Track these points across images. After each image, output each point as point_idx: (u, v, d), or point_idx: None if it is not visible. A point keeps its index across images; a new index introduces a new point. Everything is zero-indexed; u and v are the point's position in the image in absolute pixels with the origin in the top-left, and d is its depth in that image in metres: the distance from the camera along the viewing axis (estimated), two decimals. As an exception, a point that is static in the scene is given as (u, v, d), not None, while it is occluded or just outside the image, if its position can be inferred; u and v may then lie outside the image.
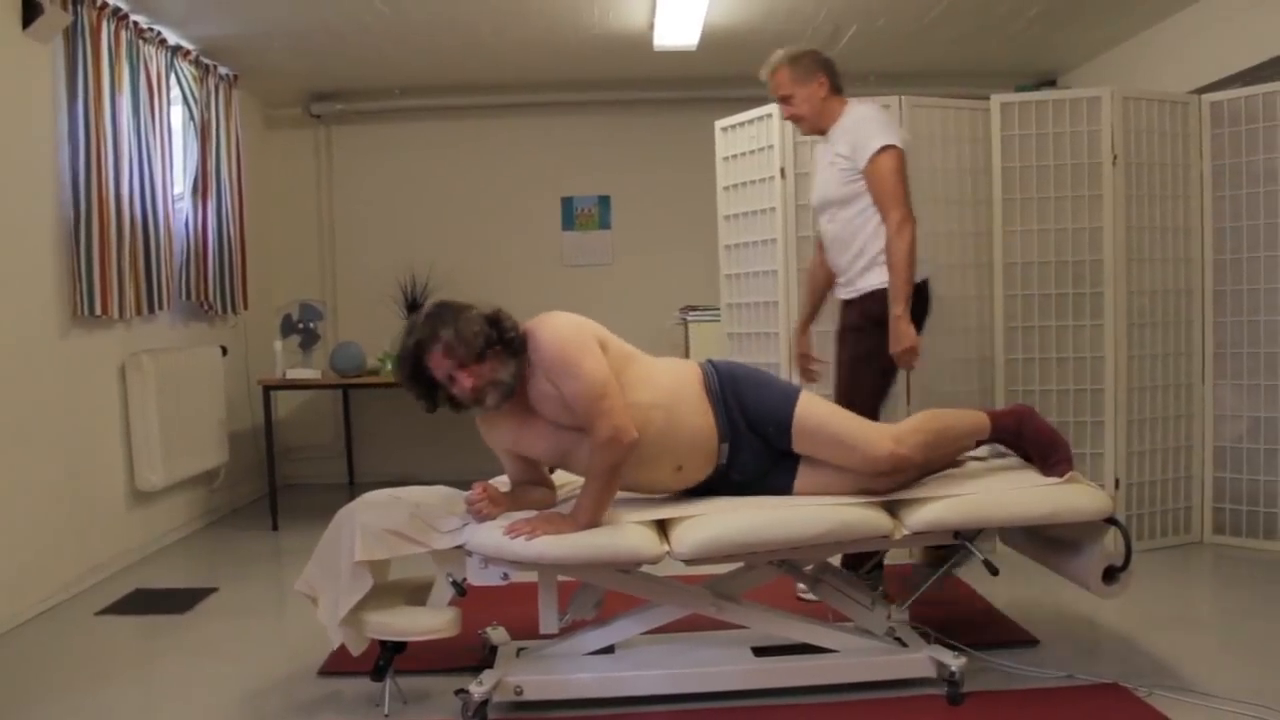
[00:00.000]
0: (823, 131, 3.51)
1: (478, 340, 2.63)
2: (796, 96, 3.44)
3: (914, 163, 4.33)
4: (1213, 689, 2.81)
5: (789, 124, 4.34)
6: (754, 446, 2.83)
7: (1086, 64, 6.05)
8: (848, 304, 3.54)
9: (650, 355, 2.92)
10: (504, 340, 2.67)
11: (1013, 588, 3.85)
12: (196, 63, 5.25)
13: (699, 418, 2.80)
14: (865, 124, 3.36)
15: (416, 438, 6.61)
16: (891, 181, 3.30)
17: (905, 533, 2.73)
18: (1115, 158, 4.29)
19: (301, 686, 3.06)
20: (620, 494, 2.80)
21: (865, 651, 2.89)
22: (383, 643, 2.77)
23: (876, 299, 3.35)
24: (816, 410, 2.86)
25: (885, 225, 3.31)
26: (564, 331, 2.72)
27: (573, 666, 2.85)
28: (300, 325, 5.66)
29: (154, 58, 4.75)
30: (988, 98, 4.45)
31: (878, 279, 3.36)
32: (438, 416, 2.96)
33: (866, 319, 3.40)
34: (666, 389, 2.81)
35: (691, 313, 5.83)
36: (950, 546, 2.91)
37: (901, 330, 3.26)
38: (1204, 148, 4.47)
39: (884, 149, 3.29)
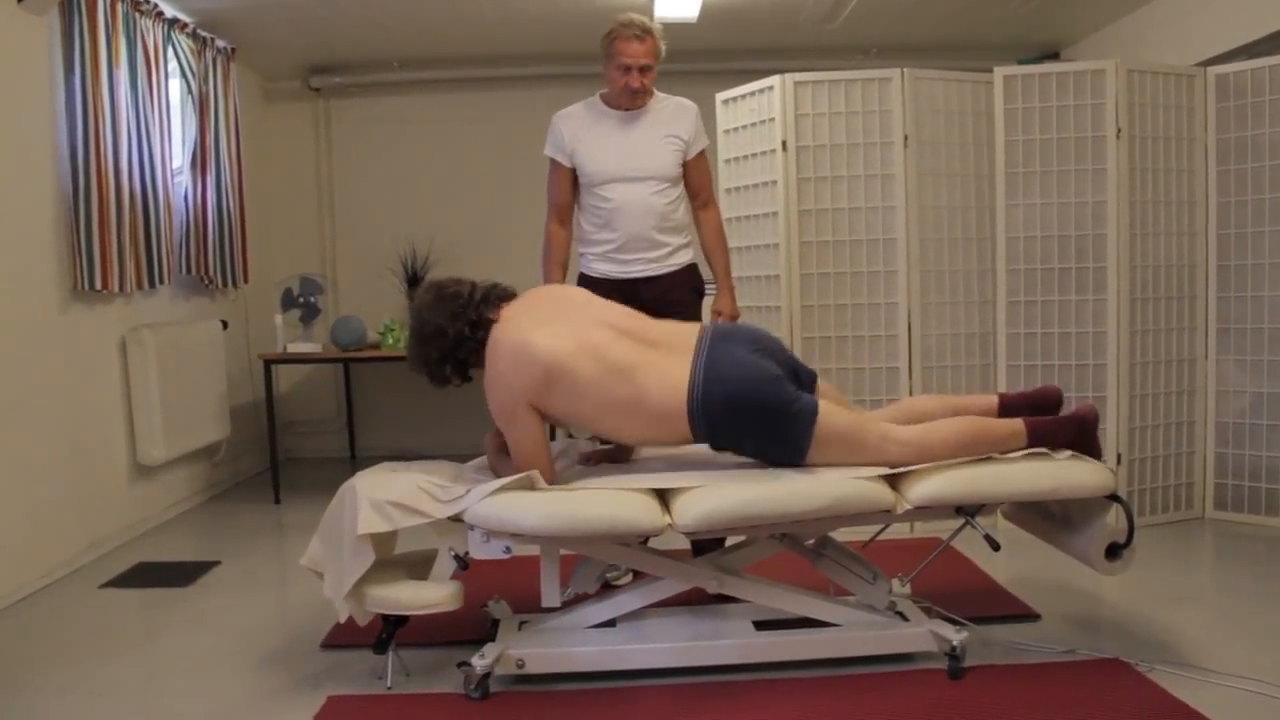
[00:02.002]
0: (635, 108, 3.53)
1: (431, 368, 2.91)
2: (653, 71, 3.46)
3: (918, 135, 4.35)
4: (1214, 665, 2.82)
5: (791, 95, 4.35)
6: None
7: (1090, 37, 6.01)
8: (652, 280, 3.52)
9: (643, 363, 2.76)
10: (457, 368, 2.90)
11: (1014, 563, 3.86)
12: (194, 35, 5.21)
13: (675, 435, 2.82)
14: (698, 118, 3.59)
15: (418, 411, 6.61)
16: (710, 175, 3.71)
17: (907, 507, 2.73)
18: (1119, 131, 4.26)
19: (304, 659, 3.08)
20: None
21: (866, 625, 2.90)
22: (385, 616, 2.78)
23: (695, 274, 3.64)
24: (828, 445, 2.77)
25: (710, 212, 3.67)
26: (496, 395, 2.78)
27: (575, 640, 2.86)
28: (301, 299, 5.65)
29: (151, 30, 4.71)
30: (990, 70, 4.42)
31: (690, 255, 3.63)
32: (440, 390, 3.03)
33: (694, 292, 3.63)
34: (641, 434, 2.85)
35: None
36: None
37: (736, 300, 3.69)
38: (1209, 121, 4.44)
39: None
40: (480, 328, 2.82)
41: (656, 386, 2.72)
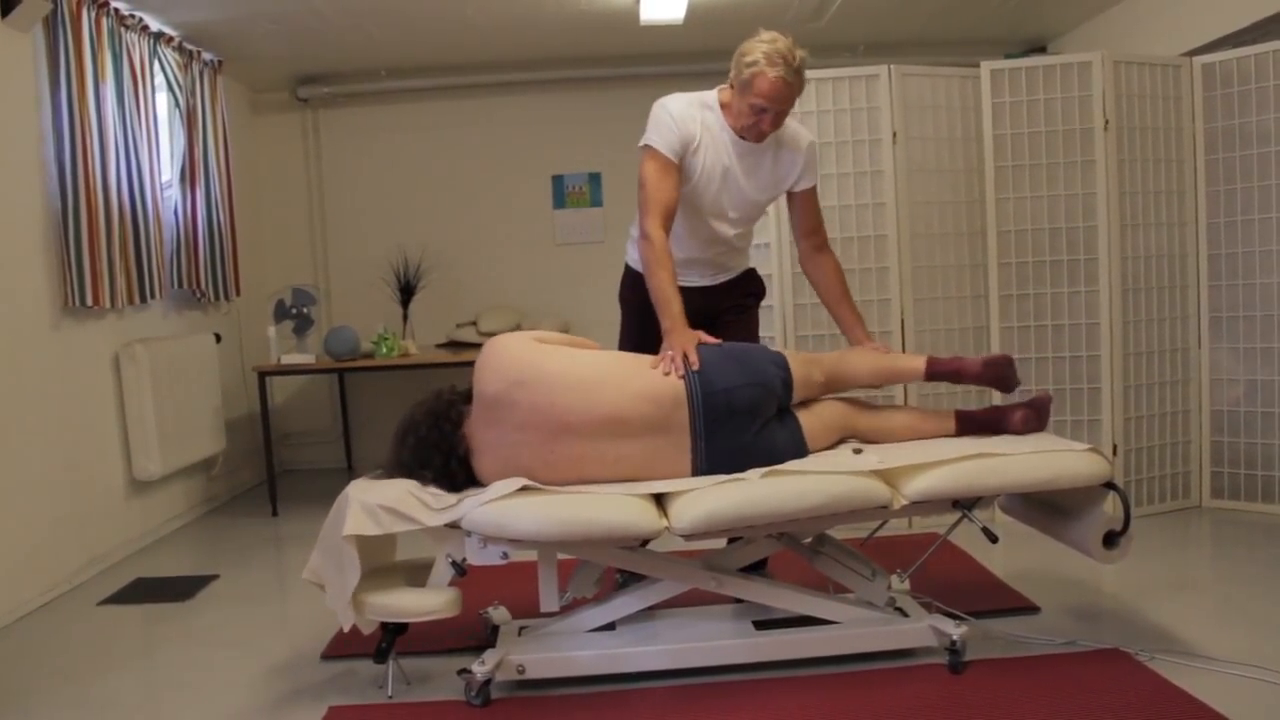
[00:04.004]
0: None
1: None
2: (788, 114, 3.06)
3: (906, 131, 4.35)
4: (1213, 652, 2.82)
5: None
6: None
7: (1076, 29, 6.02)
8: (707, 289, 3.30)
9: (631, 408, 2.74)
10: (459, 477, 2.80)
11: (1013, 556, 3.86)
12: (180, 49, 5.21)
13: (674, 464, 2.81)
14: (814, 151, 3.24)
15: (413, 421, 6.59)
16: (820, 210, 3.36)
17: (903, 502, 2.73)
18: (1107, 123, 4.27)
19: (305, 670, 3.07)
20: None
21: (866, 622, 2.90)
22: (384, 624, 2.77)
23: (751, 276, 3.45)
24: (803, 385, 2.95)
25: (829, 256, 3.33)
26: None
27: (574, 644, 2.86)
28: (293, 310, 5.65)
29: (137, 45, 4.71)
30: (978, 65, 4.43)
31: (747, 262, 3.44)
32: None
33: (750, 296, 3.44)
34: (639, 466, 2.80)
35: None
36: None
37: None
38: (1196, 111, 4.45)
39: None
40: (455, 453, 2.77)
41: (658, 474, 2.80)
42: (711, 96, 3.12)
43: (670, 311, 2.94)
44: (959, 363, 3.03)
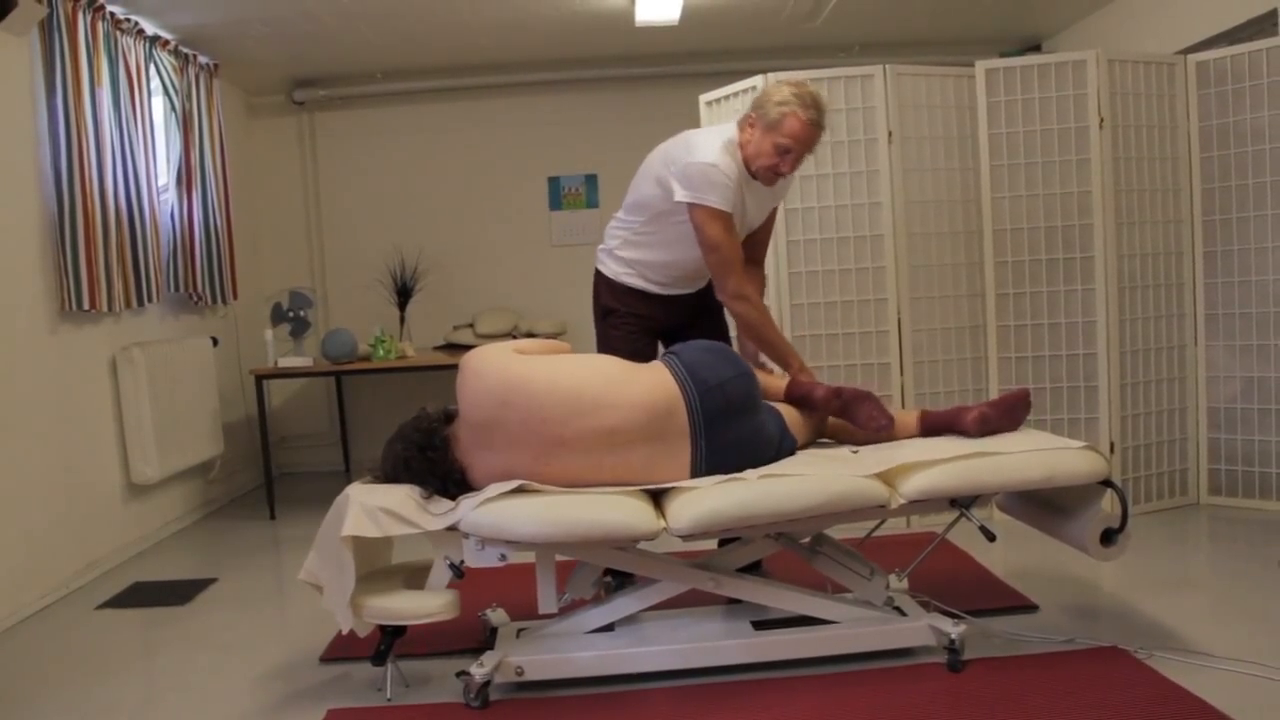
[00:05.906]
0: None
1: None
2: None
3: (901, 130, 4.35)
4: (1211, 649, 2.82)
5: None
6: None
7: (1071, 28, 6.03)
8: (695, 293, 3.40)
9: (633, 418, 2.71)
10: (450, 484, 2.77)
11: (1011, 554, 3.86)
12: (176, 52, 5.21)
13: (674, 468, 2.79)
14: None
15: (411, 423, 6.59)
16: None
17: (902, 501, 2.73)
18: (1102, 121, 4.27)
19: (304, 673, 3.07)
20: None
21: (865, 622, 2.90)
22: (383, 627, 2.77)
23: None
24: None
25: (760, 272, 3.48)
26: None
27: (573, 645, 2.85)
28: (290, 313, 5.65)
29: (132, 49, 4.71)
30: (973, 64, 4.43)
31: None
32: (432, 400, 3.01)
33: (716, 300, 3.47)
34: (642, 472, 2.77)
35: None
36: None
37: None
38: (1191, 108, 4.46)
39: None
40: (451, 478, 2.75)
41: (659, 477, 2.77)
42: (734, 138, 3.13)
43: (798, 358, 3.22)
44: (811, 387, 3.04)
